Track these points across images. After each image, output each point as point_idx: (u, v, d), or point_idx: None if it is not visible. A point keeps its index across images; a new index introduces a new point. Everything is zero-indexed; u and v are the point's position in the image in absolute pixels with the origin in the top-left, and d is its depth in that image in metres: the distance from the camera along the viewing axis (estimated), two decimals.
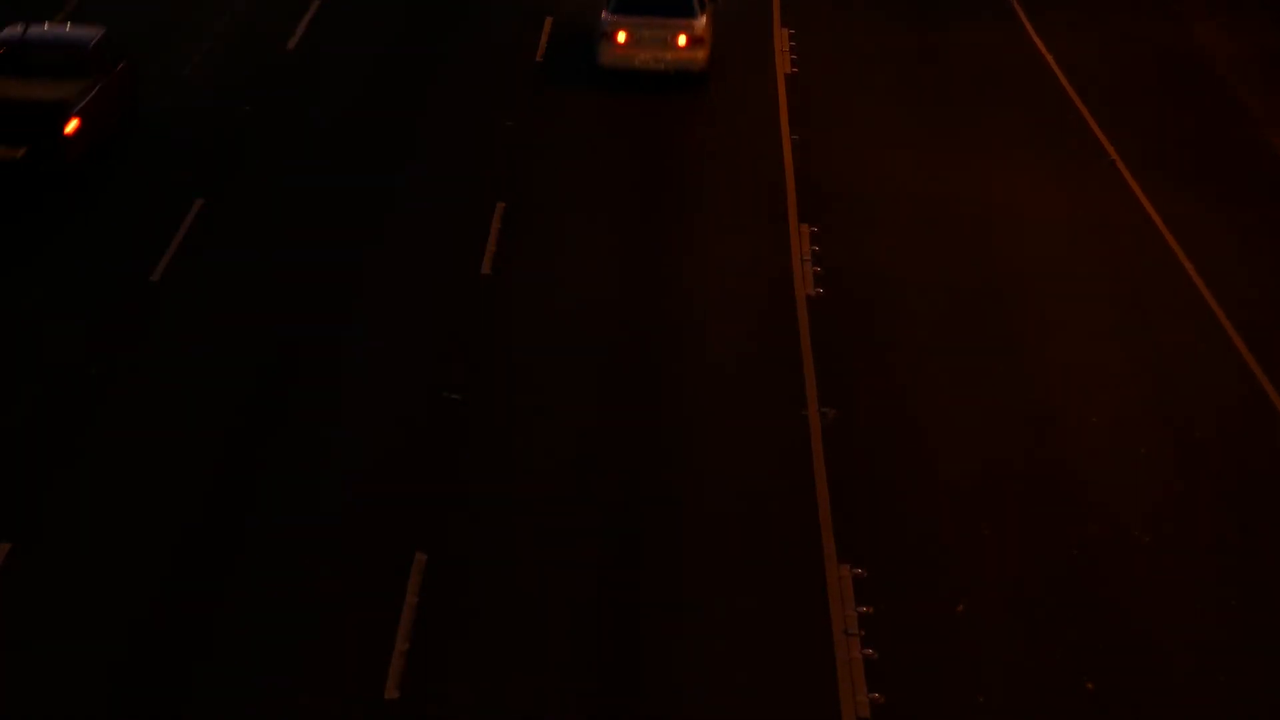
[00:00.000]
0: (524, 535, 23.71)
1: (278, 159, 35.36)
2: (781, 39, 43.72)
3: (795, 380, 27.96)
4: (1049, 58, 43.47)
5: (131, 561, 22.68)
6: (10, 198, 32.98)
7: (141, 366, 27.46)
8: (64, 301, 29.31)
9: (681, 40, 39.40)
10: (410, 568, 22.77)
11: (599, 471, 25.28)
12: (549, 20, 43.90)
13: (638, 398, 27.35)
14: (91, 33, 35.13)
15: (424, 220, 33.01)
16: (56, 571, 22.47)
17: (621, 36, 39.41)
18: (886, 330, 29.87)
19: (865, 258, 32.41)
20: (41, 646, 21.04)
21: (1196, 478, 26.06)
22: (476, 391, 27.20)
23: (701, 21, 39.74)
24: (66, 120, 32.88)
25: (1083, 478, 25.80)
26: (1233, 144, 39.02)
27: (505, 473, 25.13)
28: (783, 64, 42.06)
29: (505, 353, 28.43)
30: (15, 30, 35.04)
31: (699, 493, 24.88)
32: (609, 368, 28.21)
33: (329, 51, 41.23)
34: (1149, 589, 23.26)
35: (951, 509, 24.82)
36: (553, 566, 23.05)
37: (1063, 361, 29.14)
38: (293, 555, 23.01)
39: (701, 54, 39.67)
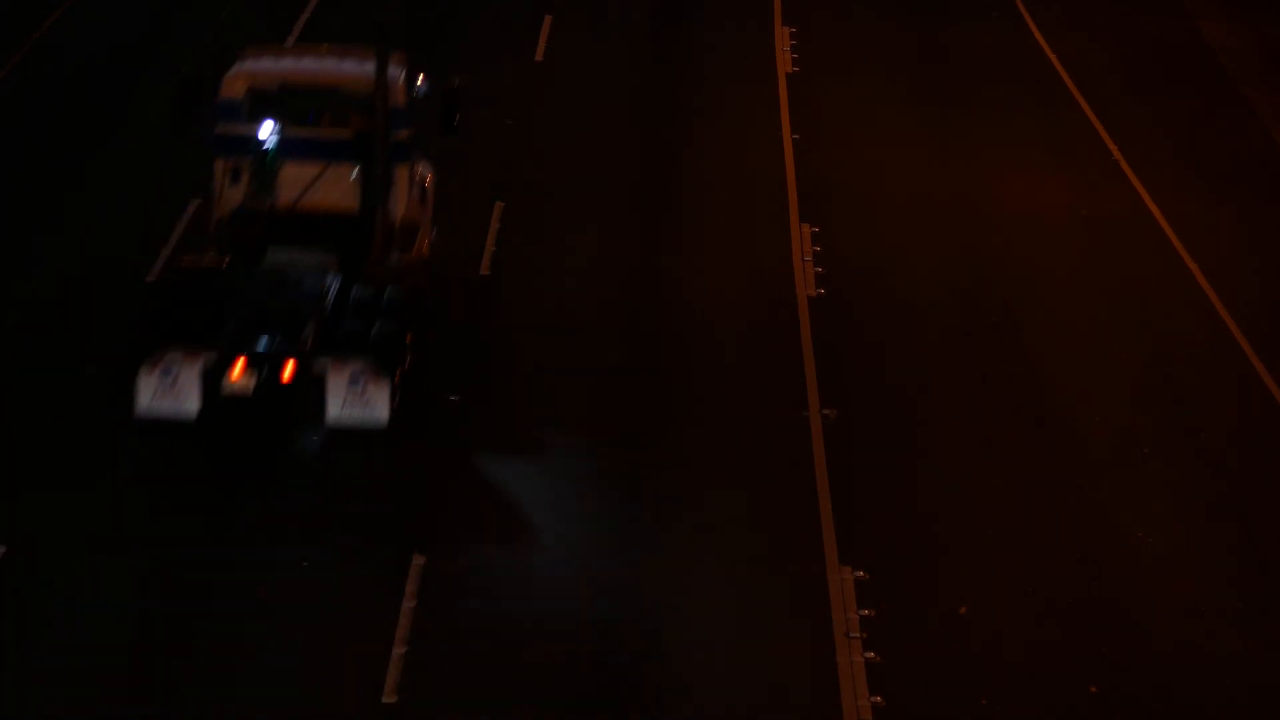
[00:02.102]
0: (524, 538, 23.59)
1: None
2: (782, 37, 43.60)
3: (796, 381, 27.83)
4: (1052, 55, 43.34)
5: (128, 563, 22.56)
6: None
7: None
8: (62, 301, 29.19)
9: None
10: (408, 570, 22.65)
11: (599, 473, 25.16)
12: (548, 19, 43.80)
13: (638, 398, 27.23)
14: None
15: None
16: (51, 574, 22.35)
17: None
18: (888, 330, 29.74)
19: (867, 257, 32.28)
20: (35, 649, 20.92)
21: (1200, 478, 25.93)
22: (476, 393, 27.07)
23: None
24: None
25: (1085, 478, 25.66)
26: (1237, 140, 38.89)
27: (505, 474, 25.01)
28: (784, 63, 41.94)
29: (504, 354, 28.30)
30: None
31: (700, 494, 24.76)
32: (608, 369, 28.09)
33: None
34: (1152, 591, 23.13)
35: (953, 511, 24.68)
36: (553, 570, 22.93)
37: (1065, 360, 29.01)
38: (291, 556, 22.89)
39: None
